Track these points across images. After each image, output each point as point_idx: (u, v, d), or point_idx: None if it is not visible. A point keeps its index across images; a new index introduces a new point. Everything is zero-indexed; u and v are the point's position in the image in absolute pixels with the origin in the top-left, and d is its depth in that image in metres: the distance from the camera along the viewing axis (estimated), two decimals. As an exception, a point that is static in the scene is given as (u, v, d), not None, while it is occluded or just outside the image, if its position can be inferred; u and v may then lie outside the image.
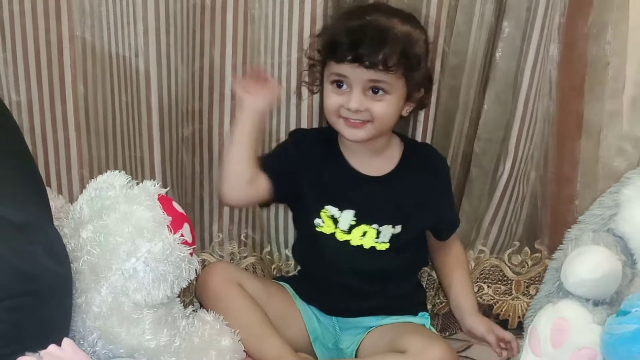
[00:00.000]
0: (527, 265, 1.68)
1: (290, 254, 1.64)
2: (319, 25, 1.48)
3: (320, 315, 1.52)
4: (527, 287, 1.68)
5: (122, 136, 1.56)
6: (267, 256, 1.66)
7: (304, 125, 1.56)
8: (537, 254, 1.68)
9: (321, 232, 1.47)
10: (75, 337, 1.27)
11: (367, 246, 1.46)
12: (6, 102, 1.48)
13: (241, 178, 1.41)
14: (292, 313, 1.50)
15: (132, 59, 1.49)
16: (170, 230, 1.25)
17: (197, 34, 1.51)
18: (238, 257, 1.66)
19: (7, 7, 1.46)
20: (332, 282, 1.50)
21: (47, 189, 1.35)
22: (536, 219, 1.67)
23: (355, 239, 1.46)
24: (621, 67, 1.53)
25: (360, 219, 1.46)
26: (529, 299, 1.65)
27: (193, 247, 1.30)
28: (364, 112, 1.38)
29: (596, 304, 1.27)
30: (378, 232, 1.46)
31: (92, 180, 1.35)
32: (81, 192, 1.35)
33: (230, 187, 1.43)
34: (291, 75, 1.53)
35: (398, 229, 1.47)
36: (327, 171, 1.47)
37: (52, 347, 1.06)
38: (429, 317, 1.54)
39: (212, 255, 1.65)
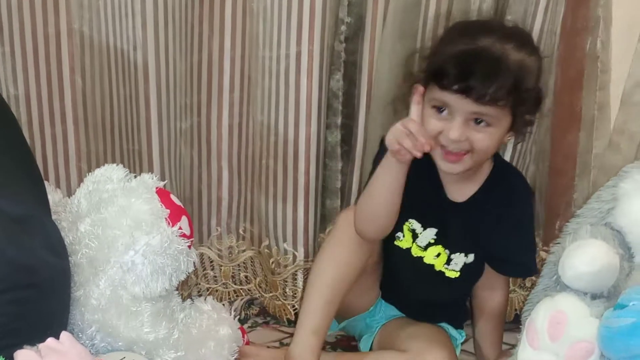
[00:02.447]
0: (525, 257, 1.68)
1: (288, 248, 1.63)
2: (319, 18, 1.48)
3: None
4: (523, 280, 1.68)
5: (120, 129, 1.56)
6: (266, 250, 1.66)
7: (303, 118, 1.55)
8: (533, 247, 1.68)
9: (398, 245, 1.43)
10: (74, 330, 1.27)
11: (437, 268, 1.44)
12: (4, 95, 1.48)
13: (389, 226, 1.38)
14: (373, 290, 1.50)
15: (131, 52, 1.49)
16: (169, 223, 1.26)
17: (196, 27, 1.51)
18: (236, 251, 1.67)
19: (5, 0, 1.46)
20: (394, 286, 1.50)
21: (45, 183, 1.36)
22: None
23: (429, 257, 1.43)
24: (607, 60, 1.54)
25: (439, 240, 1.42)
26: (525, 291, 1.66)
27: (191, 239, 1.30)
28: (464, 142, 1.30)
29: (594, 297, 1.27)
30: (449, 259, 1.43)
31: (90, 173, 1.35)
32: (79, 185, 1.36)
33: (376, 232, 1.38)
34: (290, 69, 1.52)
35: (471, 257, 1.44)
36: (418, 185, 1.37)
37: (50, 341, 1.06)
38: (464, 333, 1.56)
39: (211, 249, 1.65)
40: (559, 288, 1.34)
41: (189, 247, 1.29)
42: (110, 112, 1.55)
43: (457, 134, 1.29)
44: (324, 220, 1.65)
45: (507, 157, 1.57)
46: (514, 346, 1.38)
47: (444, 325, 1.51)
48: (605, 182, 1.42)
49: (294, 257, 1.63)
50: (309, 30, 1.48)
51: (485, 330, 1.51)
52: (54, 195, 1.42)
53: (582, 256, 1.27)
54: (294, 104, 1.54)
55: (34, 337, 1.07)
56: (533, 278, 1.63)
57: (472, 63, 1.27)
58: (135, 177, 1.32)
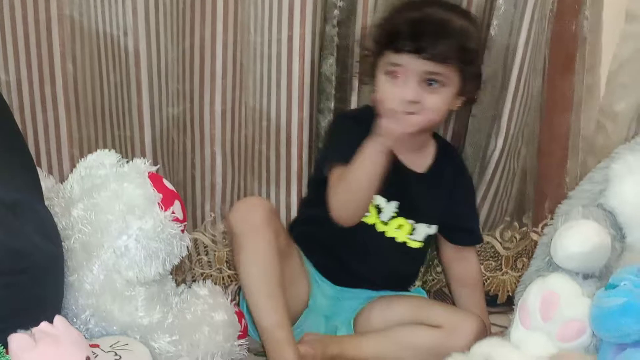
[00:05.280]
0: (516, 239, 1.68)
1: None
2: (310, 1, 1.48)
3: (322, 281, 1.50)
4: (514, 262, 1.69)
5: (111, 115, 1.56)
6: (259, 235, 1.66)
7: (295, 103, 1.55)
8: (524, 228, 1.69)
9: (363, 222, 1.44)
10: (68, 315, 1.27)
11: (399, 240, 1.47)
12: (-5, 81, 1.48)
13: (367, 209, 1.41)
14: (301, 274, 1.48)
15: (122, 38, 1.49)
16: (161, 208, 1.26)
17: (187, 12, 1.50)
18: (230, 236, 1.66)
19: (-5, -14, 1.46)
20: (350, 262, 1.49)
21: (37, 169, 1.35)
22: (524, 194, 1.67)
23: (390, 230, 1.47)
24: (596, 42, 1.55)
25: (401, 212, 1.46)
26: (517, 272, 1.67)
27: (184, 224, 1.30)
28: (417, 104, 1.35)
29: (585, 277, 1.28)
30: (413, 229, 1.47)
31: (83, 159, 1.35)
32: (71, 171, 1.36)
33: (354, 217, 1.40)
34: (281, 54, 1.52)
35: (433, 229, 1.49)
36: None
37: (44, 325, 1.06)
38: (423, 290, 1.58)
39: (205, 234, 1.66)
40: (551, 269, 1.35)
41: (182, 231, 1.29)
42: (101, 98, 1.55)
43: (413, 94, 1.35)
44: (316, 204, 1.65)
45: (500, 140, 1.57)
46: (506, 327, 1.40)
47: (419, 290, 1.57)
48: (593, 163, 1.43)
49: (288, 241, 1.63)
50: (300, 13, 1.48)
51: (471, 297, 1.55)
52: (46, 182, 1.42)
53: (574, 237, 1.28)
54: (285, 89, 1.54)
55: (28, 322, 1.07)
56: (525, 260, 1.65)
57: (423, 24, 1.37)
58: (127, 162, 1.32)
